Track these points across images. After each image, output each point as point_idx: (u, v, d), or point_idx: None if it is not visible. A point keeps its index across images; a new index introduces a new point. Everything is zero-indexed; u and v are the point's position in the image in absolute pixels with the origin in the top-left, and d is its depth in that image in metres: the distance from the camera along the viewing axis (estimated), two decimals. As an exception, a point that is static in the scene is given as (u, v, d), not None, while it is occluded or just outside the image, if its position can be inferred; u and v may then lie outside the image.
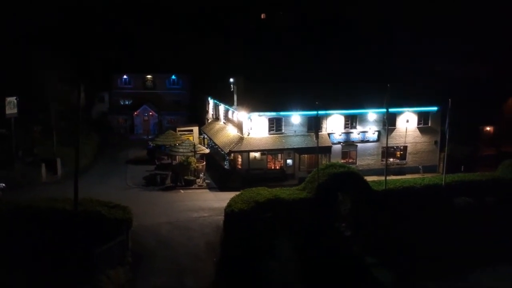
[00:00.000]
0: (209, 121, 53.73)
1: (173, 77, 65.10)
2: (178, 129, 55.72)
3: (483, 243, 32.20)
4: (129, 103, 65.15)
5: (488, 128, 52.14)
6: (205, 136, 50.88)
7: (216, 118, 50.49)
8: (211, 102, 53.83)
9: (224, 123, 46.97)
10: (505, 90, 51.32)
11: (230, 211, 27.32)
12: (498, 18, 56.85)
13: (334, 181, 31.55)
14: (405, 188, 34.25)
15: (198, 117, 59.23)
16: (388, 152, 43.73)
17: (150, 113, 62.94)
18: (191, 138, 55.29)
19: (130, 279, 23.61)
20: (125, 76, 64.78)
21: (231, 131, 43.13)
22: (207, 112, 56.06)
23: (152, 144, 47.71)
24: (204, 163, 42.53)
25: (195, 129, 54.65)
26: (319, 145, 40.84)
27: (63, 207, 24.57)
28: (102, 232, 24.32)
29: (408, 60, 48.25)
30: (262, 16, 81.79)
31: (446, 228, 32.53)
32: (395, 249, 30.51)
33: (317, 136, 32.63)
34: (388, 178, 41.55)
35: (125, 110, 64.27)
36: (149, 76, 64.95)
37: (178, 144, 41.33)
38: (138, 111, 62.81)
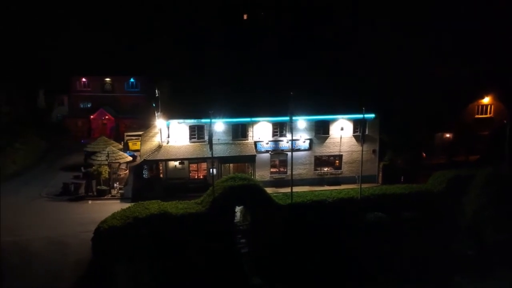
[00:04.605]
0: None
1: (132, 80, 63.82)
2: (126, 134, 54.63)
3: (390, 263, 30.30)
4: (89, 106, 64.23)
5: (447, 135, 49.31)
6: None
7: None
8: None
9: (159, 129, 45.49)
10: (464, 97, 48.33)
11: (97, 228, 25.88)
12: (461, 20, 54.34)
13: (230, 194, 29.96)
14: (314, 202, 32.39)
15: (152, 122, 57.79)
16: (322, 160, 41.97)
17: (107, 117, 61.94)
18: (138, 143, 54.28)
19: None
20: (83, 79, 63.79)
21: (157, 139, 41.68)
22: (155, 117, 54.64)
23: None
24: (127, 171, 41.26)
25: (144, 135, 53.37)
26: (244, 154, 39.46)
27: None
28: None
29: (350, 63, 45.75)
30: (245, 16, 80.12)
31: (353, 246, 30.65)
32: (290, 268, 28.83)
33: (211, 147, 31.05)
34: (321, 189, 39.94)
35: (83, 113, 63.39)
36: (107, 79, 63.78)
37: (98, 152, 40.02)
38: (95, 114, 61.92)
